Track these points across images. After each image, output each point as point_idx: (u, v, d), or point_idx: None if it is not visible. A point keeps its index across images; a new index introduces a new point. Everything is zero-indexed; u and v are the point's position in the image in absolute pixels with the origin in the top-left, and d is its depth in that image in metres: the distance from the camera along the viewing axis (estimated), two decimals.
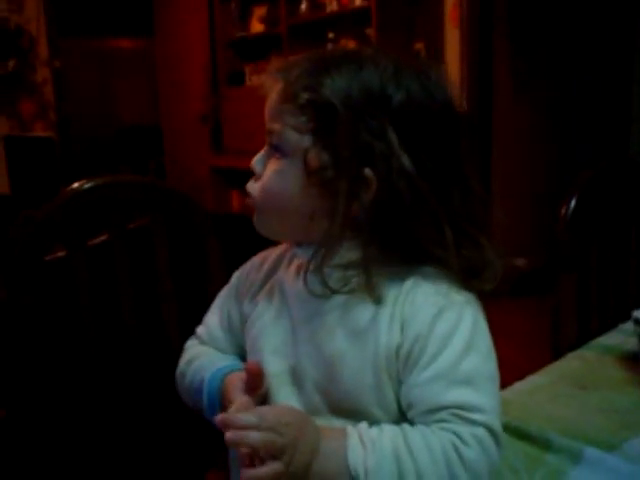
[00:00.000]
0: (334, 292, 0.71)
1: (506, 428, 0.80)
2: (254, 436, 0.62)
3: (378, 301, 0.71)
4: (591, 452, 0.77)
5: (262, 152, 0.76)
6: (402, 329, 0.70)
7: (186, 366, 0.88)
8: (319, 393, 0.74)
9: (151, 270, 1.09)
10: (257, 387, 0.74)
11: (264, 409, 0.69)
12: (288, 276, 0.80)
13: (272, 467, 0.62)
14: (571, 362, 1.04)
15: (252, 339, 0.81)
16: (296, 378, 0.76)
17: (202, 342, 0.91)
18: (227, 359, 0.86)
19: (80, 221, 1.03)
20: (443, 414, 0.66)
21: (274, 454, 0.63)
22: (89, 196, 1.04)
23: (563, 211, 1.25)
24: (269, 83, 0.74)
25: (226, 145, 4.99)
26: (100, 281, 1.05)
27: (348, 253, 0.71)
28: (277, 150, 0.73)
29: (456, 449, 0.64)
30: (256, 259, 0.88)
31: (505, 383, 0.94)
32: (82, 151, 5.73)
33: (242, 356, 0.86)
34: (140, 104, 6.85)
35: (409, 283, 0.71)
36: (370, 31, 3.67)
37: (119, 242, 1.05)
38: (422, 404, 0.68)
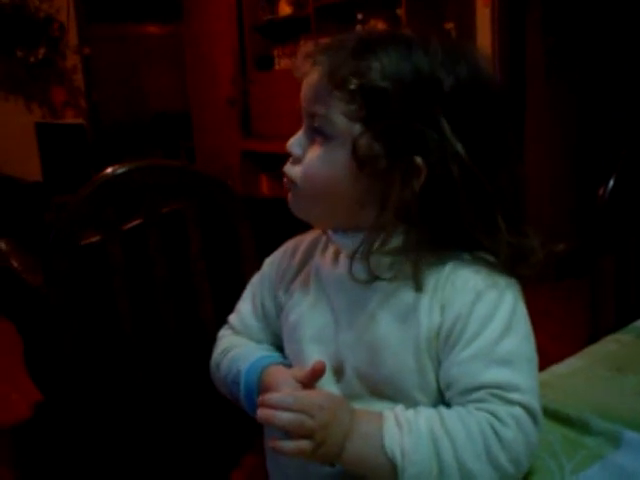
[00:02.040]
0: (378, 279, 0.71)
1: (544, 411, 0.79)
2: (285, 416, 0.63)
3: (420, 288, 0.70)
4: (630, 435, 0.76)
5: (300, 134, 0.74)
6: (442, 311, 0.70)
7: (221, 356, 0.88)
8: (359, 379, 0.74)
9: (185, 254, 1.10)
10: (313, 385, 0.73)
11: (300, 392, 0.69)
12: (324, 262, 0.79)
13: (298, 444, 0.63)
14: (608, 345, 1.02)
15: (290, 328, 0.81)
16: (336, 365, 0.75)
17: (235, 331, 0.90)
18: (262, 349, 0.86)
19: (114, 206, 1.04)
20: (481, 393, 0.66)
21: (303, 435, 0.63)
22: (122, 181, 1.04)
23: (601, 191, 1.23)
24: (307, 65, 0.72)
25: (255, 129, 4.99)
26: (135, 265, 1.05)
27: (395, 239, 0.70)
28: (321, 133, 0.71)
29: (493, 428, 0.64)
30: (288, 246, 0.87)
31: (543, 366, 0.93)
32: (112, 137, 5.78)
33: (276, 344, 0.86)
34: (169, 89, 6.89)
35: (448, 268, 0.71)
36: (400, 11, 3.63)
37: (153, 226, 1.06)
38: (461, 383, 0.68)
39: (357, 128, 0.68)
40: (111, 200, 1.03)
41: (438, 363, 0.70)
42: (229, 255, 1.14)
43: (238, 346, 0.87)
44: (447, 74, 0.68)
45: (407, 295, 0.71)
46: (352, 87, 0.67)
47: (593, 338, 1.09)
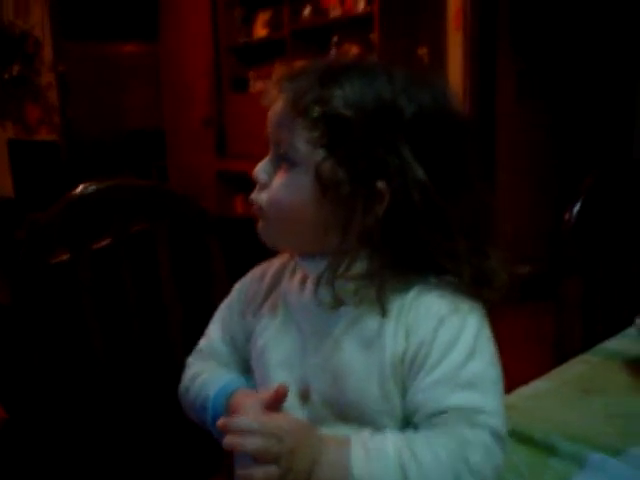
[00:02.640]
0: (343, 304, 0.71)
1: (511, 433, 0.80)
2: (251, 441, 0.63)
3: (385, 313, 0.71)
4: (596, 457, 0.77)
5: (266, 161, 0.75)
6: (407, 336, 0.70)
7: (190, 382, 0.87)
8: (325, 404, 0.74)
9: (154, 273, 1.09)
10: (278, 407, 0.72)
11: (266, 416, 0.69)
12: (292, 287, 0.79)
13: (266, 470, 0.63)
14: (576, 367, 1.03)
15: (258, 353, 0.81)
16: (302, 389, 0.75)
17: (205, 357, 0.90)
18: (230, 375, 0.86)
19: (84, 224, 1.03)
20: (447, 417, 0.66)
21: (271, 460, 0.63)
22: (93, 199, 1.04)
23: (567, 216, 1.25)
24: (274, 92, 0.73)
25: (230, 150, 4.99)
26: (104, 284, 1.05)
27: (359, 264, 0.71)
28: (286, 160, 0.72)
29: (461, 452, 0.63)
30: (257, 271, 0.87)
31: (509, 388, 0.94)
32: (86, 155, 5.74)
33: (246, 369, 0.86)
34: (144, 108, 6.86)
35: (413, 292, 0.72)
36: (374, 36, 3.68)
37: (122, 245, 1.06)
38: (427, 408, 0.68)
39: (320, 154, 0.69)
40: (81, 218, 1.02)
41: (404, 389, 0.70)
42: (200, 275, 1.13)
43: (207, 371, 0.87)
44: (409, 102, 0.69)
45: (372, 320, 0.72)
46: (315, 115, 0.68)
47: (560, 360, 1.10)
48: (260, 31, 4.64)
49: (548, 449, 0.79)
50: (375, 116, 0.68)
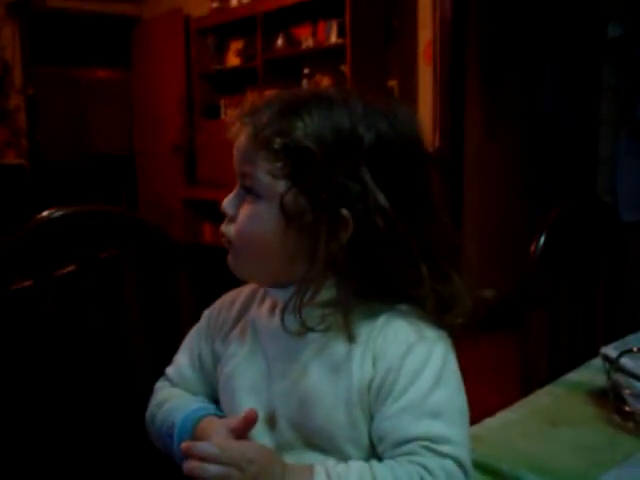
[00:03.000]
0: (310, 330, 0.71)
1: (477, 465, 0.80)
2: (212, 468, 0.62)
3: (352, 339, 0.71)
4: None
5: (233, 193, 0.76)
6: (374, 364, 0.70)
7: (156, 409, 0.87)
8: (292, 430, 0.74)
9: (120, 301, 1.07)
10: (245, 433, 0.72)
11: (229, 443, 0.68)
12: (261, 315, 0.80)
13: None
14: (541, 398, 1.04)
15: (225, 378, 0.81)
16: (269, 415, 0.76)
17: (172, 383, 0.89)
18: (197, 401, 0.85)
19: (48, 250, 1.01)
20: (412, 446, 0.66)
21: None
22: (58, 225, 1.02)
23: (533, 247, 1.27)
24: (236, 127, 0.75)
25: (199, 177, 4.98)
26: (67, 312, 1.03)
27: (325, 292, 0.72)
28: (251, 192, 0.73)
29: None
30: (227, 298, 0.87)
31: (475, 418, 0.93)
32: (54, 179, 5.68)
33: (213, 396, 0.85)
34: (114, 134, 6.84)
35: (381, 320, 0.72)
36: (345, 68, 3.73)
37: (88, 272, 1.04)
38: (392, 436, 0.68)
39: (282, 185, 0.70)
40: (46, 244, 1.01)
41: (370, 417, 0.71)
42: (165, 303, 1.12)
43: (174, 398, 0.86)
44: (368, 130, 0.70)
45: (339, 347, 0.72)
46: (276, 146, 0.70)
47: (527, 390, 1.10)
48: (233, 59, 4.68)
49: None
50: (335, 145, 0.69)
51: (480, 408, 1.00)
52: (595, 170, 3.12)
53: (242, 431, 0.71)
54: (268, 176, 0.71)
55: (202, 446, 0.64)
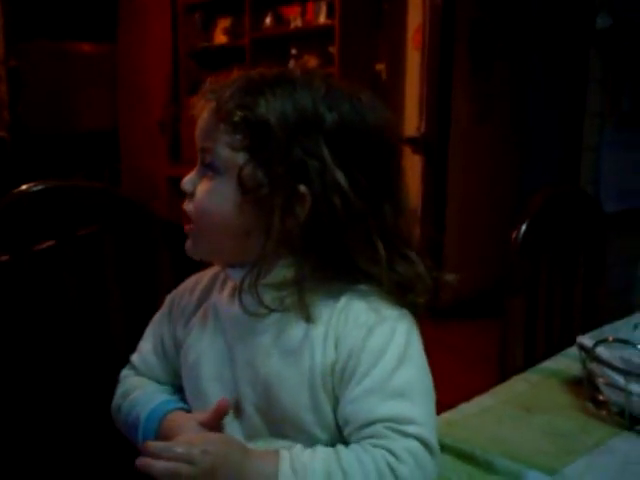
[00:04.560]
0: (268, 310, 0.71)
1: (450, 449, 0.81)
2: (159, 464, 0.62)
3: (310, 319, 0.71)
4: (533, 476, 0.78)
5: (193, 172, 0.76)
6: (336, 346, 0.71)
7: (121, 399, 0.86)
8: (259, 415, 0.74)
9: (100, 279, 1.06)
10: (217, 425, 0.72)
11: (181, 437, 0.68)
12: (222, 299, 0.79)
13: None
14: (517, 385, 1.05)
15: (189, 366, 0.81)
16: (235, 403, 0.75)
17: (137, 371, 0.89)
18: (162, 394, 0.85)
19: (27, 225, 1.00)
20: (377, 427, 0.66)
21: None
22: (38, 199, 1.01)
23: (514, 235, 1.27)
24: (201, 104, 0.75)
25: (184, 155, 4.94)
26: (45, 288, 1.02)
27: (283, 271, 0.72)
28: (210, 168, 0.73)
29: (389, 466, 0.64)
30: (189, 282, 0.87)
31: (452, 403, 0.94)
32: (36, 153, 5.60)
33: (178, 383, 0.85)
34: (99, 109, 6.74)
35: (342, 301, 0.72)
36: (333, 49, 3.70)
37: (67, 248, 1.03)
38: (356, 419, 0.68)
39: (241, 158, 0.71)
40: (25, 218, 0.99)
41: (335, 400, 0.71)
42: (146, 281, 1.11)
43: (139, 388, 0.86)
44: (329, 110, 0.71)
45: (299, 329, 0.72)
46: (236, 119, 0.70)
47: (503, 377, 1.11)
48: (220, 37, 4.63)
49: (487, 466, 0.80)
50: (295, 122, 0.70)
51: (458, 393, 1.02)
52: (579, 160, 3.14)
53: (213, 422, 0.71)
54: (227, 149, 0.71)
55: (155, 444, 0.64)
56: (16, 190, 1.00)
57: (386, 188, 0.74)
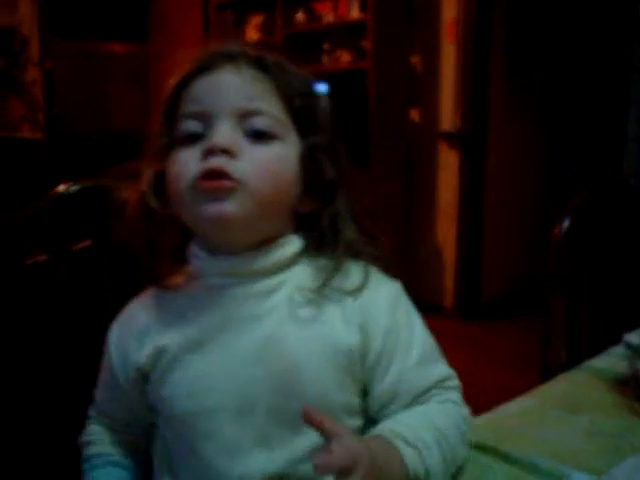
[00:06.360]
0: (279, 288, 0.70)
1: (493, 451, 0.80)
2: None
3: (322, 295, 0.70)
4: (578, 477, 0.76)
5: (228, 130, 0.68)
6: (361, 329, 0.69)
7: (82, 446, 0.81)
8: (274, 416, 0.68)
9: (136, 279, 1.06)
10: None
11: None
12: (197, 305, 0.71)
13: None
14: (561, 384, 1.02)
15: (175, 385, 0.71)
16: (244, 408, 0.68)
17: (99, 415, 0.82)
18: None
19: (64, 225, 1.01)
20: (432, 392, 0.71)
21: None
22: (74, 200, 1.02)
23: (556, 231, 1.24)
24: (224, 61, 0.72)
25: None
26: (83, 287, 1.02)
27: (291, 246, 0.72)
28: (263, 134, 0.69)
29: (460, 414, 0.73)
30: (133, 309, 0.78)
31: (494, 405, 0.92)
32: (71, 154, 5.69)
33: (142, 424, 0.79)
34: (132, 109, 6.83)
35: (355, 275, 0.71)
36: (366, 43, 3.68)
37: (103, 248, 1.03)
38: (410, 390, 0.71)
39: (294, 130, 0.71)
40: (61, 219, 1.00)
41: (360, 383, 0.71)
42: None
43: (95, 448, 0.80)
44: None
45: (309, 306, 0.69)
46: (297, 102, 0.71)
47: (545, 377, 1.09)
48: (252, 34, 4.63)
49: (531, 468, 0.78)
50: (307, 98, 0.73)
51: (499, 394, 1.00)
52: (622, 152, 3.07)
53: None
54: (284, 114, 0.70)
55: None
56: (53, 191, 1.01)
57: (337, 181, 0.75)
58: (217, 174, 0.65)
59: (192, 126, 0.69)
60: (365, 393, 0.72)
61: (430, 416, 0.69)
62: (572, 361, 1.17)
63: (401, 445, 0.65)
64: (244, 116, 0.68)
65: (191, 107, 0.70)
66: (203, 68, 0.72)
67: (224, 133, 0.67)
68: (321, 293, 0.69)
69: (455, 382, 0.74)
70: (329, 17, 4.01)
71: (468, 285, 3.59)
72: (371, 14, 3.60)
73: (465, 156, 3.61)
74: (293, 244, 0.71)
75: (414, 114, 3.85)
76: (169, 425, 0.74)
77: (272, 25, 4.39)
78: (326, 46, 4.11)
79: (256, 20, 4.61)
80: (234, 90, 0.69)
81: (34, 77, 4.79)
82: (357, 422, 0.72)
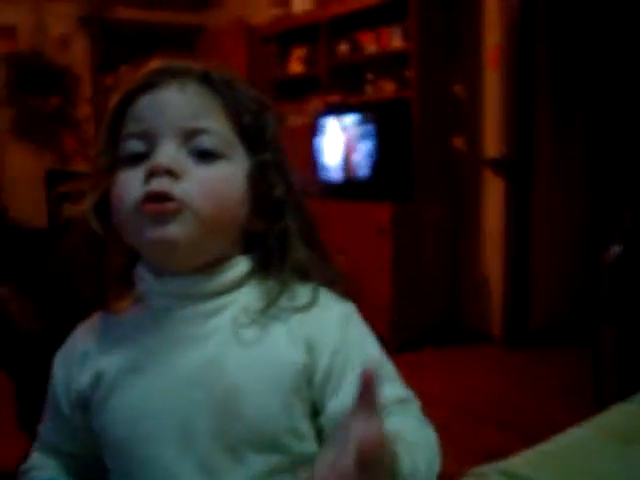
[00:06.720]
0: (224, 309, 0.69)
1: None
2: None
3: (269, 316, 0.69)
4: None
5: (171, 150, 0.66)
6: (309, 350, 0.68)
7: (27, 476, 0.76)
8: (216, 440, 0.65)
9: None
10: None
11: None
12: (143, 326, 0.70)
13: None
14: (615, 415, 1.00)
15: (114, 410, 0.68)
16: (185, 433, 0.66)
17: (44, 451, 0.77)
18: None
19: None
20: (390, 409, 0.65)
21: None
22: None
23: (606, 256, 1.22)
24: (166, 78, 0.70)
25: None
26: None
27: (240, 266, 0.71)
28: (208, 153, 0.67)
29: (427, 427, 0.68)
30: (77, 334, 0.76)
31: (545, 436, 0.91)
32: None
33: (89, 451, 0.74)
34: None
35: (301, 298, 0.70)
36: (409, 73, 3.70)
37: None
38: None
39: (238, 141, 0.71)
40: None
41: (313, 406, 0.68)
42: None
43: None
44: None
45: (252, 329, 0.68)
46: (246, 120, 0.71)
47: (598, 407, 1.06)
48: (295, 66, 4.71)
49: None
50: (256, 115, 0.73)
51: (551, 426, 0.97)
52: None
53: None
54: (231, 133, 0.70)
55: None
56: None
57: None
58: (160, 197, 0.64)
59: (135, 146, 0.67)
60: (317, 413, 0.68)
61: (407, 433, 0.63)
62: (623, 392, 1.14)
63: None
64: (189, 135, 0.67)
65: (134, 126, 0.68)
66: (147, 85, 0.69)
67: (167, 153, 0.66)
68: (267, 314, 0.68)
69: (415, 404, 0.69)
70: (372, 47, 4.04)
71: (516, 313, 3.53)
72: (413, 43, 3.61)
73: (510, 182, 3.57)
74: (241, 266, 0.70)
75: (458, 142, 3.84)
76: (109, 453, 0.71)
77: (315, 57, 4.45)
78: (369, 76, 4.13)
79: (299, 52, 4.68)
80: (178, 108, 0.68)
81: (86, 113, 4.94)
82: (309, 448, 0.67)
